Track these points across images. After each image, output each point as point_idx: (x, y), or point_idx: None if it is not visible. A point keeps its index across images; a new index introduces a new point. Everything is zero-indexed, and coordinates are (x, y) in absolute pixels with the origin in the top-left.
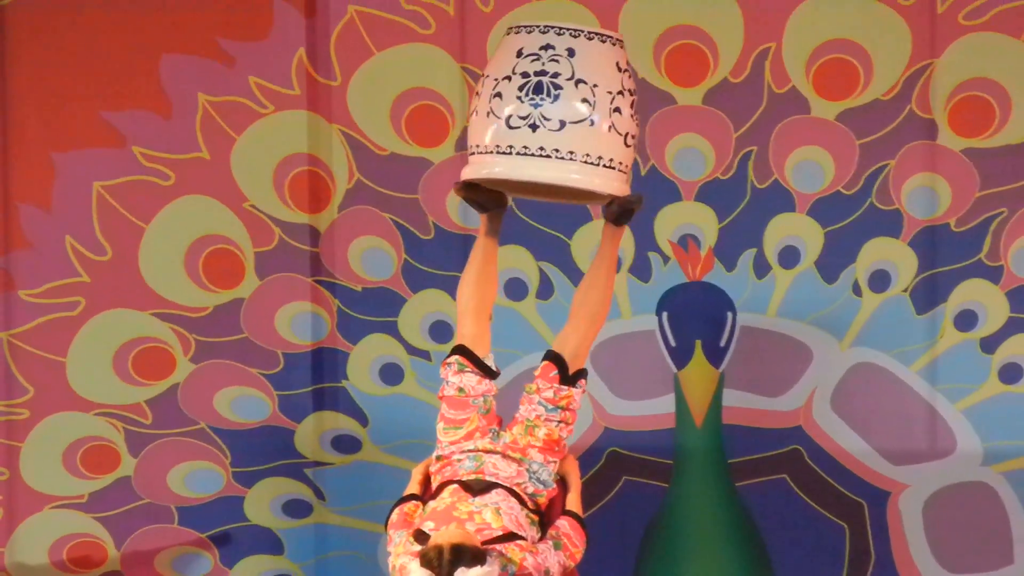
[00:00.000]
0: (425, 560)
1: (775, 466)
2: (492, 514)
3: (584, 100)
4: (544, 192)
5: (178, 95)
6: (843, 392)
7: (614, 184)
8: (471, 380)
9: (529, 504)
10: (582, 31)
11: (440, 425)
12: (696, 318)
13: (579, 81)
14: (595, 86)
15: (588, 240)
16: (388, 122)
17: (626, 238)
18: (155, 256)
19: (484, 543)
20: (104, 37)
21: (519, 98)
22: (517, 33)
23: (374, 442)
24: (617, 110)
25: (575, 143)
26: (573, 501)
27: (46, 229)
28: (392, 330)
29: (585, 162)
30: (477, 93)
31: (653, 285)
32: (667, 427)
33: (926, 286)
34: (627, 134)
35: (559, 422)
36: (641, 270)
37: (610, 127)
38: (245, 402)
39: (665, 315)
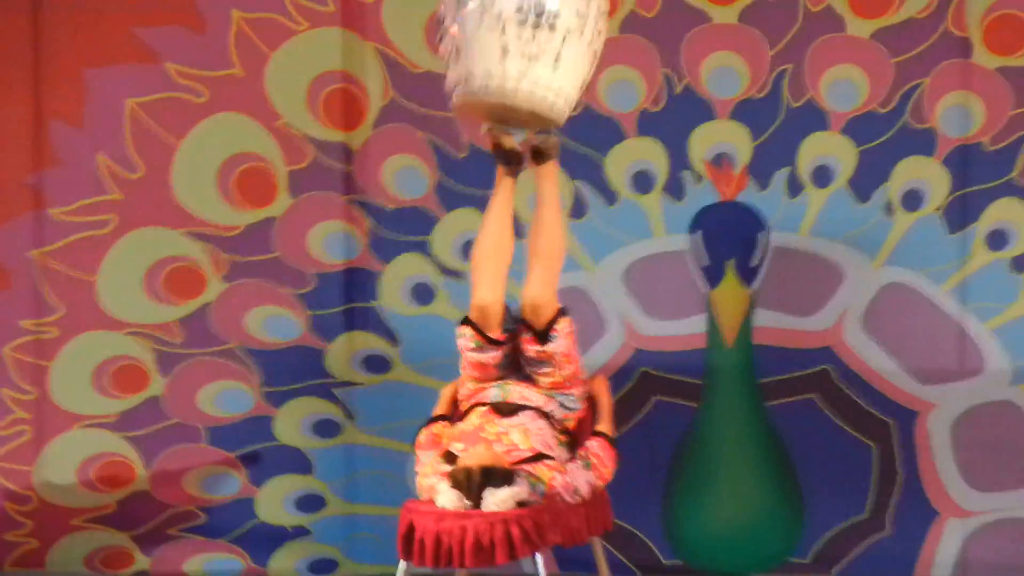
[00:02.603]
0: (454, 481)
1: (805, 386)
2: (520, 435)
3: None
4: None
5: (211, 10)
6: (874, 312)
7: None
8: (486, 355)
9: (557, 426)
10: None
11: (463, 372)
12: (729, 237)
13: None
14: None
15: (623, 157)
16: (423, 39)
17: (659, 157)
18: (187, 174)
19: (513, 463)
20: None
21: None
22: None
23: (404, 362)
24: None
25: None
26: (603, 422)
27: (78, 146)
28: (424, 249)
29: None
30: None
31: (686, 204)
32: (698, 347)
33: (958, 205)
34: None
35: (554, 368)
36: (674, 189)
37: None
38: (276, 322)
39: (699, 234)
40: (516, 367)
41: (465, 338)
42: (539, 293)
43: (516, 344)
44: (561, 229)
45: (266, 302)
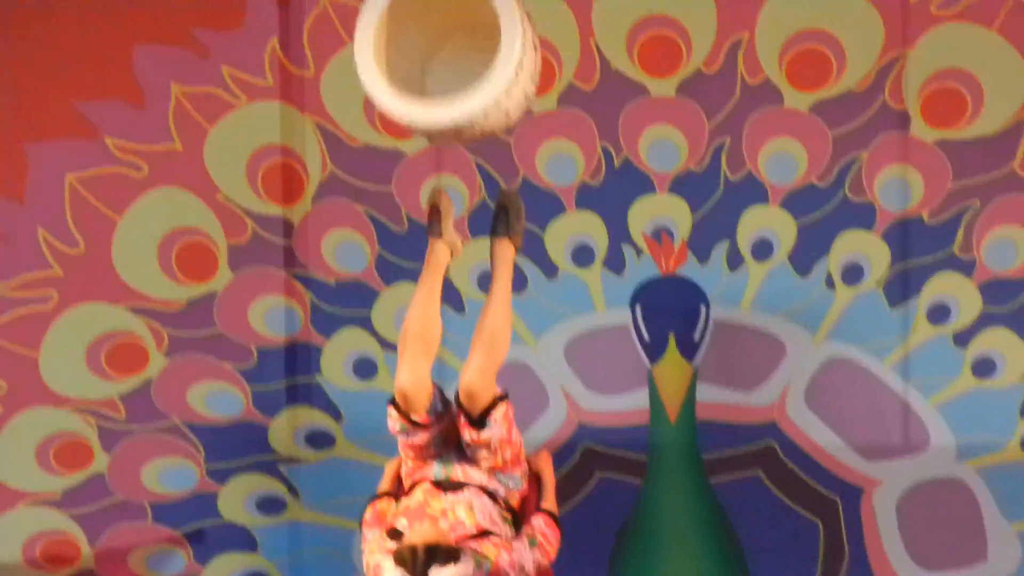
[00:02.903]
0: (399, 559)
1: (749, 462)
2: (465, 511)
3: None
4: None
5: (151, 85)
6: (817, 387)
7: None
8: (413, 438)
9: (501, 503)
10: None
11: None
12: (669, 311)
13: None
14: None
15: (562, 231)
16: (362, 113)
17: (598, 230)
18: (128, 249)
19: (458, 540)
20: (77, 26)
21: None
22: None
23: (348, 438)
24: None
25: None
26: (548, 499)
27: (18, 221)
28: (366, 324)
29: None
30: None
31: (626, 278)
32: (641, 423)
33: (899, 279)
34: None
35: (492, 454)
36: (614, 263)
37: None
38: (219, 397)
39: (639, 308)
40: (456, 443)
41: (392, 419)
42: (475, 381)
43: (452, 423)
44: (507, 316)
45: (208, 377)
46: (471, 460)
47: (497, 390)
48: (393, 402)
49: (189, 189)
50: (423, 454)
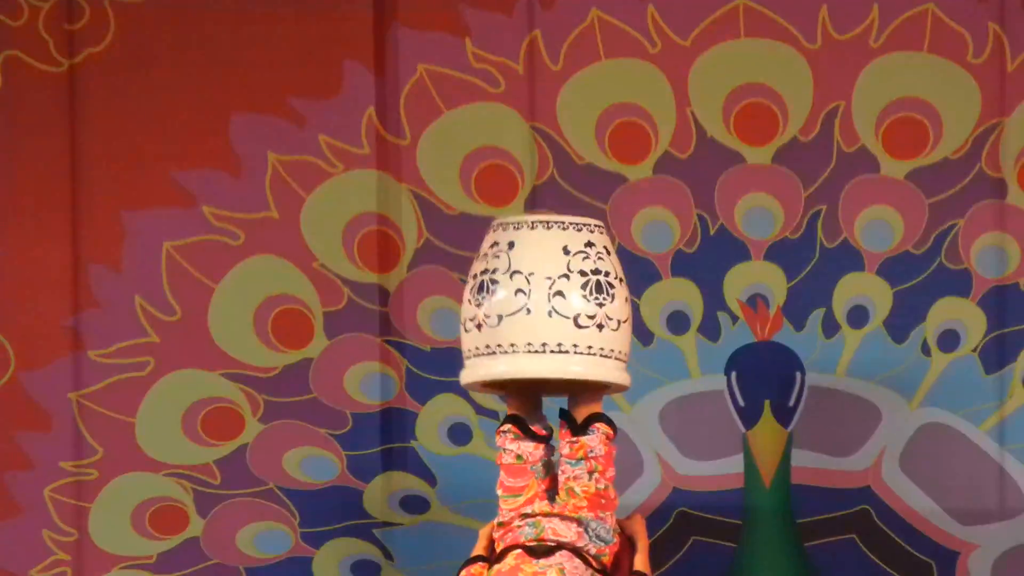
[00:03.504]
0: None
1: (844, 526)
2: (556, 574)
3: (519, 290)
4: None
5: (247, 154)
6: (912, 452)
7: (573, 368)
8: (527, 447)
9: (594, 564)
10: (524, 222)
11: (499, 492)
12: (765, 378)
13: (514, 272)
14: (531, 274)
15: (658, 298)
16: (457, 181)
17: (694, 297)
18: (224, 316)
19: None
20: (174, 96)
21: (469, 300)
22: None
23: (443, 502)
24: (559, 294)
25: (514, 335)
26: (641, 561)
27: (116, 289)
28: (460, 390)
29: (528, 351)
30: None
31: (722, 345)
32: (736, 487)
33: (995, 345)
34: (577, 315)
35: (589, 473)
36: (710, 330)
37: (551, 312)
38: (313, 462)
39: (734, 375)
40: (550, 497)
41: (505, 434)
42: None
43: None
44: None
45: (303, 443)
46: (562, 512)
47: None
48: (509, 420)
49: (285, 257)
50: (523, 478)
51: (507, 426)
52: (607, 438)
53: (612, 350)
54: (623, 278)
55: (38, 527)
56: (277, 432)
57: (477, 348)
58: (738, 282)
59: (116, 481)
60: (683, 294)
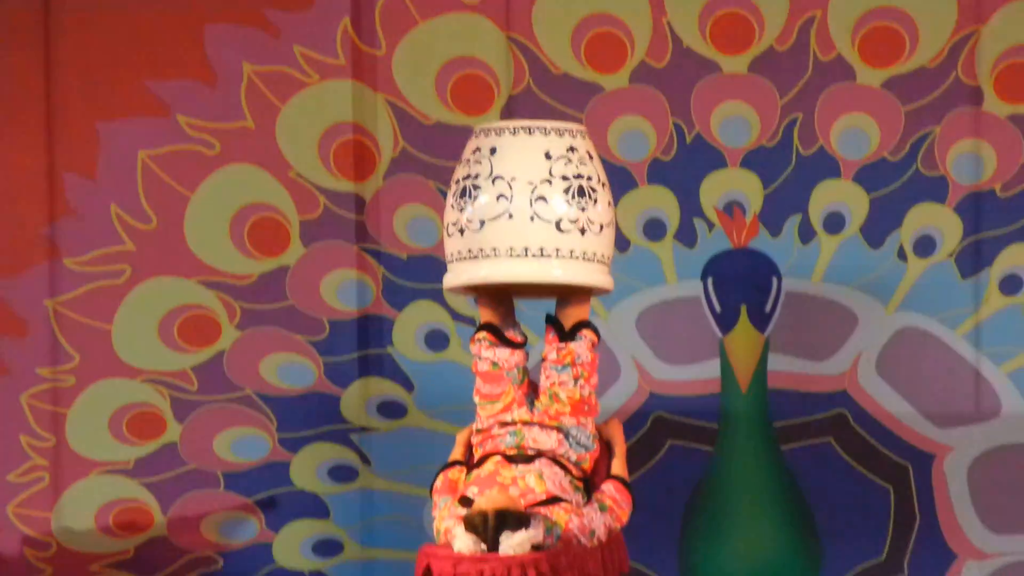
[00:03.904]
0: (470, 525)
1: (820, 430)
2: (536, 479)
3: (501, 195)
4: (500, 293)
5: (223, 64)
6: (888, 356)
7: (554, 272)
8: (503, 353)
9: (573, 471)
10: (506, 128)
11: (476, 399)
12: (741, 284)
13: (496, 178)
14: (513, 179)
15: (634, 205)
16: (433, 91)
17: (670, 205)
18: (200, 224)
19: (528, 507)
20: (149, 7)
21: (452, 206)
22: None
23: (419, 408)
24: (541, 198)
25: (496, 239)
26: (618, 465)
27: (92, 197)
28: (437, 297)
29: (511, 255)
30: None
31: (698, 251)
32: (712, 392)
33: (971, 251)
34: (559, 220)
35: (574, 379)
36: (686, 236)
37: (533, 217)
38: (291, 368)
39: (710, 281)
40: (529, 402)
41: (480, 342)
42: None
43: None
44: None
45: (280, 349)
46: (543, 420)
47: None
48: (483, 328)
49: (261, 166)
50: (500, 384)
51: (482, 334)
52: (592, 345)
53: (594, 253)
54: (606, 182)
55: (15, 433)
56: (254, 339)
57: (460, 252)
58: (714, 189)
59: (93, 387)
60: (660, 201)
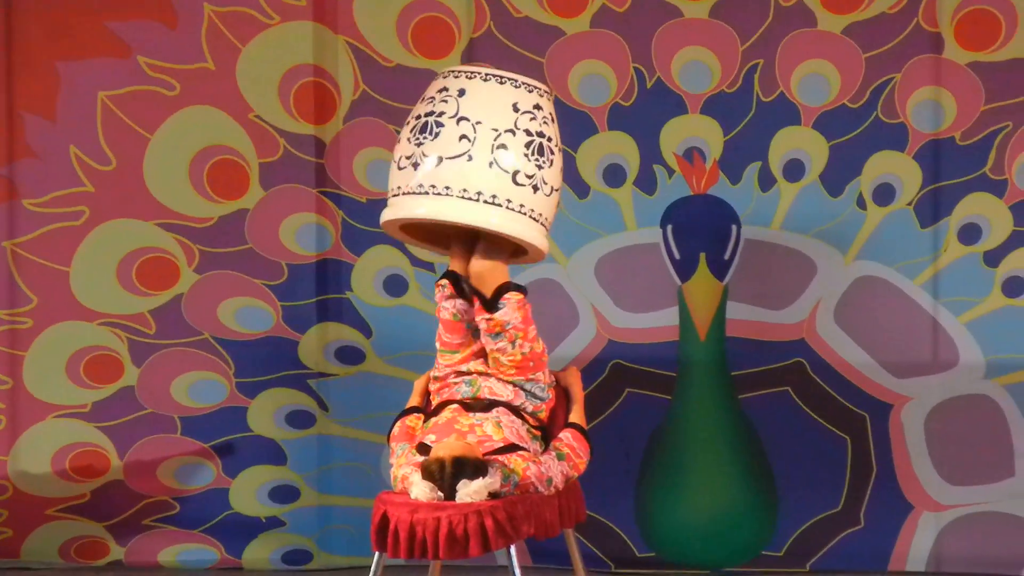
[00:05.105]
0: (427, 472)
1: (778, 378)
2: (493, 426)
3: (463, 136)
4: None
5: (183, 5)
6: (846, 305)
7: (495, 219)
8: (462, 306)
9: (530, 420)
10: (478, 72)
11: (437, 346)
12: (700, 231)
13: (461, 118)
14: (478, 123)
15: (594, 151)
16: (394, 33)
17: (630, 150)
18: (159, 166)
19: (486, 454)
20: None
21: (408, 139)
22: (433, 80)
23: (378, 353)
24: (503, 147)
25: (451, 178)
26: (576, 413)
27: (50, 139)
28: (397, 242)
29: (461, 197)
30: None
31: (658, 198)
32: (671, 339)
33: (930, 199)
34: (517, 172)
35: (511, 343)
36: (646, 183)
37: (492, 163)
38: (249, 313)
39: (669, 228)
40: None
41: (443, 288)
42: (481, 261)
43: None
44: None
45: (238, 293)
46: (497, 373)
47: (508, 278)
48: (446, 275)
49: (221, 108)
50: (459, 333)
51: (444, 281)
52: (520, 304)
53: (540, 214)
54: (561, 148)
55: None
56: (212, 282)
57: (408, 186)
58: (674, 135)
59: (50, 330)
60: (619, 147)
